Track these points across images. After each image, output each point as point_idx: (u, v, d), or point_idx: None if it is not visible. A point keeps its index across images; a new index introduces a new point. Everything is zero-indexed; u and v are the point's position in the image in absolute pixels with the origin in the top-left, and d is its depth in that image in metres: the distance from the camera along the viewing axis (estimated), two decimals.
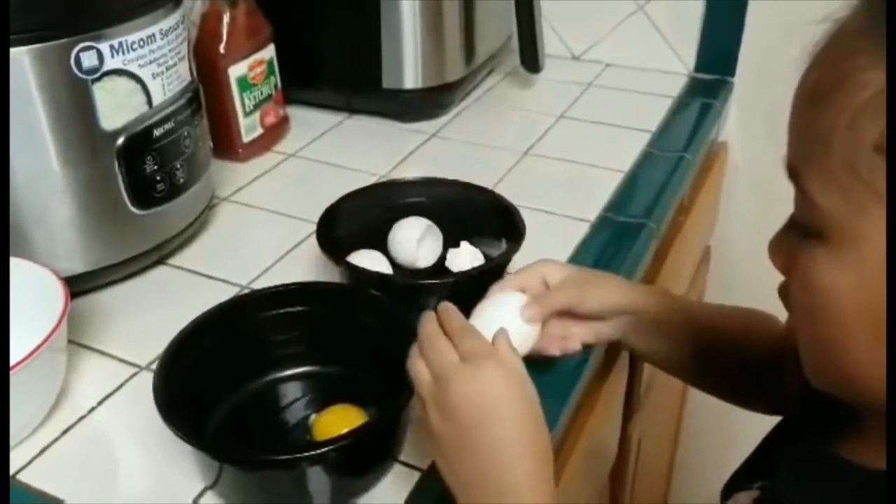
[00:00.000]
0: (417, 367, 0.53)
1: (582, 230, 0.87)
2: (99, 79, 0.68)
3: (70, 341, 0.67)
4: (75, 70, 0.67)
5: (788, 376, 0.60)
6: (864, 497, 0.44)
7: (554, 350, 0.65)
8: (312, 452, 0.54)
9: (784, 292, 0.47)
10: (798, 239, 0.43)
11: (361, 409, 0.61)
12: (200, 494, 0.58)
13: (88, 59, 0.67)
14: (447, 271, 0.77)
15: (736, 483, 0.56)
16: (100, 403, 0.66)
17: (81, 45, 0.66)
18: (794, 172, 0.42)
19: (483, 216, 0.79)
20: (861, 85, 0.37)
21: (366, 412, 0.61)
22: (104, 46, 0.68)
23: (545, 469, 0.51)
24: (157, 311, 0.75)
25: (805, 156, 0.41)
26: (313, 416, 0.62)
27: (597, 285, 0.66)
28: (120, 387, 0.67)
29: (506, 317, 0.59)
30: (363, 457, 0.58)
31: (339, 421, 0.59)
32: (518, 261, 0.74)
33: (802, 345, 0.46)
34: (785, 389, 0.60)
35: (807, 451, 0.49)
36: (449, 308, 0.56)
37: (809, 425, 0.51)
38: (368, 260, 0.74)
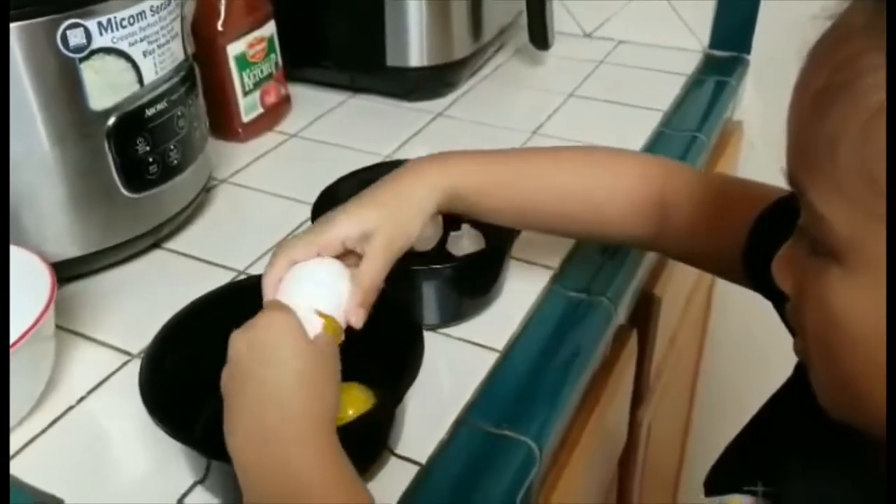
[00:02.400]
0: None
1: None
2: (87, 57, 0.66)
3: (60, 328, 0.66)
4: (62, 48, 0.64)
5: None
6: None
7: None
8: None
9: (793, 316, 0.42)
10: (809, 255, 0.39)
11: (365, 387, 0.59)
12: (191, 488, 0.57)
13: (75, 37, 0.65)
14: (447, 255, 0.75)
15: (728, 479, 0.53)
16: (89, 393, 0.64)
17: (68, 22, 0.64)
18: (796, 183, 0.38)
19: None
20: (872, 87, 0.33)
21: (368, 390, 0.59)
22: (91, 24, 0.65)
23: (322, 429, 0.48)
24: (150, 297, 0.73)
25: (807, 165, 0.37)
26: None
27: (404, 223, 0.59)
28: (111, 376, 0.66)
29: (316, 291, 0.55)
30: (357, 449, 0.55)
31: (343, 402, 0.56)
32: (522, 244, 0.72)
33: (818, 378, 0.42)
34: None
35: (827, 457, 0.46)
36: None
37: (824, 428, 0.45)
38: None
